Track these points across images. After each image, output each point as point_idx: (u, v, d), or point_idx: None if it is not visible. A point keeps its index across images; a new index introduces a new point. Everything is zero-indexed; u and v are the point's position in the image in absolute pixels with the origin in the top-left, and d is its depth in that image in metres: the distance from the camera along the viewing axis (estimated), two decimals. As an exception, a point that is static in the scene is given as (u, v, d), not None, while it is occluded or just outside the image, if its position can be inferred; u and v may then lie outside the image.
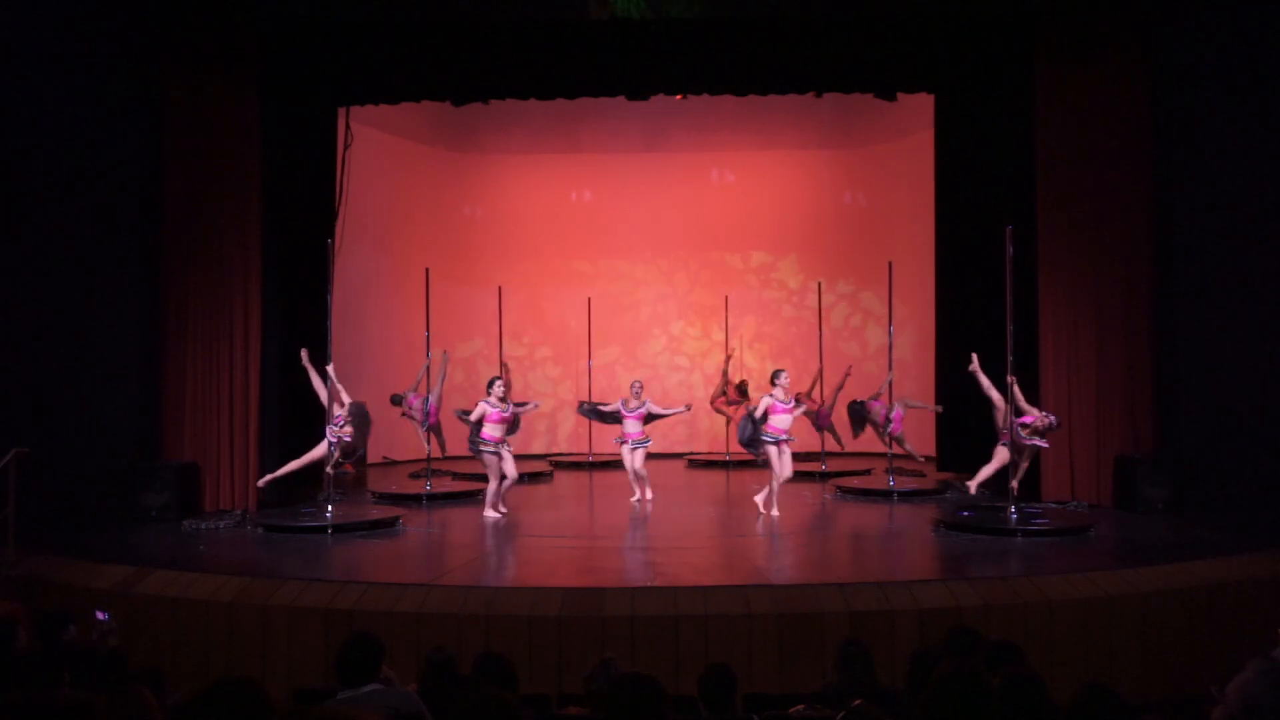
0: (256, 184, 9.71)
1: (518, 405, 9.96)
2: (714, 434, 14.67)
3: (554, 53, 10.43)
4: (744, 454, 13.61)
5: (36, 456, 8.07)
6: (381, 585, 6.43)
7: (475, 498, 9.87)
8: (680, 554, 7.67)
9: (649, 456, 10.30)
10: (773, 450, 9.07)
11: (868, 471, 12.00)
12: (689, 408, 11.10)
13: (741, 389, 13.40)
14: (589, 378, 14.05)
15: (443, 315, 12.29)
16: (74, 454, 8.92)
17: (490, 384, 9.28)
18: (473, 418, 9.15)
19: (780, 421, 9.06)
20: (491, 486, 9.17)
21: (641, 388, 10.41)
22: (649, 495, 10.13)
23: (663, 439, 14.24)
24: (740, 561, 7.53)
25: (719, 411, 13.50)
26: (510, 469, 9.16)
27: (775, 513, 9.09)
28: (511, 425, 9.50)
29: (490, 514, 9.12)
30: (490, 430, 9.03)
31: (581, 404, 11.28)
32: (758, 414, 9.10)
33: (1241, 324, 8.95)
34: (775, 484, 9.11)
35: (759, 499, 9.25)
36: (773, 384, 9.22)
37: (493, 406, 9.04)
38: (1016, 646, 4.25)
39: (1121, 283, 9.47)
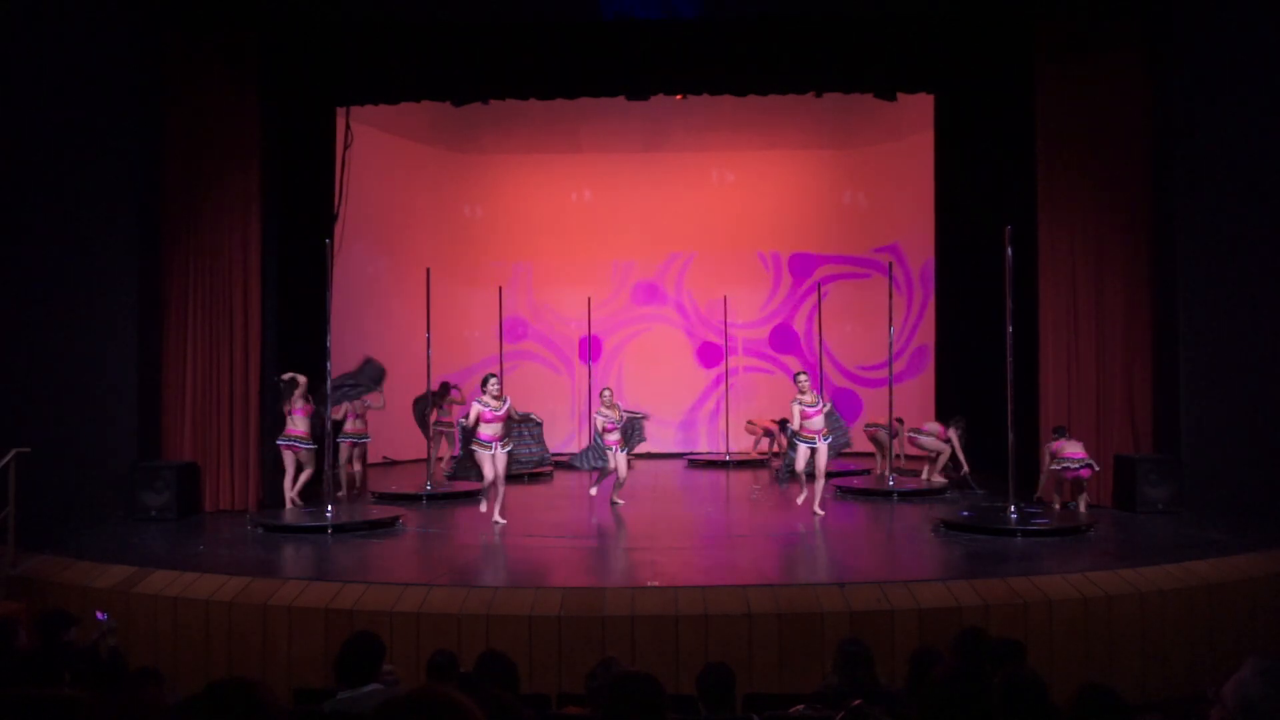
0: (256, 184, 9.73)
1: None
2: (714, 434, 14.67)
3: (554, 53, 10.43)
4: (741, 455, 13.73)
5: (36, 456, 8.07)
6: (381, 585, 6.42)
7: (475, 498, 9.84)
8: (680, 554, 7.68)
9: (640, 456, 10.25)
10: (803, 450, 9.12)
11: (867, 471, 12.01)
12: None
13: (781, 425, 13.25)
14: (589, 377, 14.05)
15: (443, 315, 12.28)
16: (74, 454, 8.92)
17: (485, 382, 9.08)
18: (469, 419, 8.96)
19: (811, 424, 9.11)
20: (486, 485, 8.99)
21: (612, 394, 10.20)
22: (594, 492, 10.13)
23: (662, 440, 14.26)
24: (740, 561, 7.53)
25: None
26: (501, 468, 8.97)
27: (819, 511, 9.12)
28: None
29: (496, 518, 8.93)
30: (486, 430, 8.91)
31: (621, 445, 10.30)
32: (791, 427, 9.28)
33: (1242, 324, 8.94)
34: (818, 484, 9.18)
35: (815, 506, 9.18)
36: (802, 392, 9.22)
37: (485, 405, 8.94)
38: (1019, 644, 4.25)
39: (1121, 283, 9.48)
